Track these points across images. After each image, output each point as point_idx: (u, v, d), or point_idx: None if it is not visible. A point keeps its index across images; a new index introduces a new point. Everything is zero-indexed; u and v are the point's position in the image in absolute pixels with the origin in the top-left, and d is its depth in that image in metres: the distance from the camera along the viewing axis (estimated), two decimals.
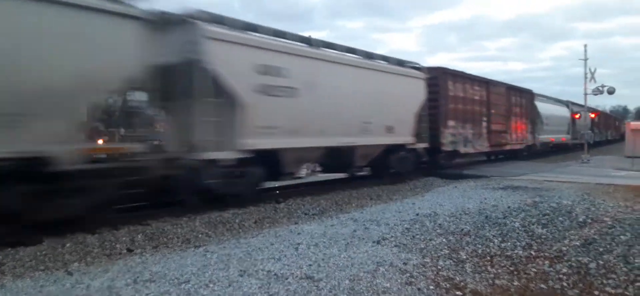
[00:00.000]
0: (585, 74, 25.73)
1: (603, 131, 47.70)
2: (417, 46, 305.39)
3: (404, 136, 15.12)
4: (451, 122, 17.71)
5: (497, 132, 21.67)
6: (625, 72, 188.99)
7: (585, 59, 25.65)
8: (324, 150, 12.26)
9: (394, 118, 14.51)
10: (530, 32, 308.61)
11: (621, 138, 57.85)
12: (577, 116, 31.01)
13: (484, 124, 20.47)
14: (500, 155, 23.78)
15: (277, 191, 12.52)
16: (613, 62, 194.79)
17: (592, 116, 33.42)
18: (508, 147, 23.25)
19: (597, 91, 26.04)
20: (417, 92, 15.71)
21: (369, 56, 14.24)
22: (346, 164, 13.63)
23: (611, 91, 26.22)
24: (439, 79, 17.28)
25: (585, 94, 26.27)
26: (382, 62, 14.74)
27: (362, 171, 15.05)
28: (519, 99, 24.59)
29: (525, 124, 25.34)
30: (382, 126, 14.08)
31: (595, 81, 25.93)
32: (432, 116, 16.60)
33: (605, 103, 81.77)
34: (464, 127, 18.70)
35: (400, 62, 15.62)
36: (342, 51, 13.25)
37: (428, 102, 16.14)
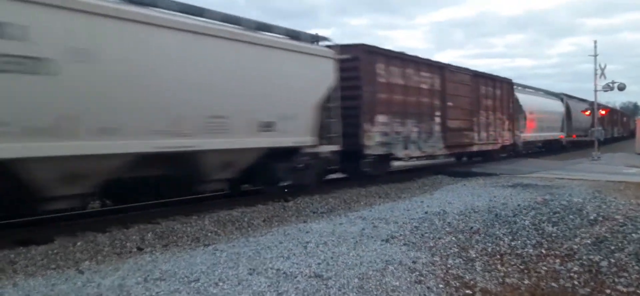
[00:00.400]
0: (595, 70, 25.53)
1: (608, 128, 45.09)
2: (424, 43, 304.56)
3: (297, 135, 10.98)
4: (382, 118, 13.84)
5: (457, 130, 17.87)
6: (634, 67, 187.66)
7: (595, 55, 25.46)
8: (129, 159, 7.94)
9: (275, 111, 10.36)
10: (537, 29, 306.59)
11: (629, 136, 54.86)
12: (587, 112, 30.70)
13: (437, 119, 16.66)
14: (463, 157, 20.78)
15: (286, 190, 12.53)
16: (621, 58, 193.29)
17: (603, 112, 33.07)
18: (475, 148, 19.44)
19: (607, 88, 25.84)
20: (320, 77, 11.52)
21: (234, 20, 9.85)
22: (190, 178, 9.26)
23: (622, 87, 26.00)
24: (361, 61, 13.23)
25: (596, 90, 26.07)
26: (256, 32, 10.27)
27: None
28: (491, 90, 20.39)
29: (501, 120, 21.38)
30: (253, 122, 9.95)
31: (605, 77, 25.72)
32: (350, 109, 12.72)
33: (615, 99, 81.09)
34: (403, 123, 14.80)
35: (294, 34, 11.36)
36: (175, 10, 8.80)
37: (343, 91, 12.23)
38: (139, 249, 6.91)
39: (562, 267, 6.18)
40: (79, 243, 6.93)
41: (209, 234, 7.89)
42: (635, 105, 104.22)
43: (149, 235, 7.55)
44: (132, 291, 4.92)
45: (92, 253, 6.59)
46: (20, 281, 5.37)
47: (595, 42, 25.69)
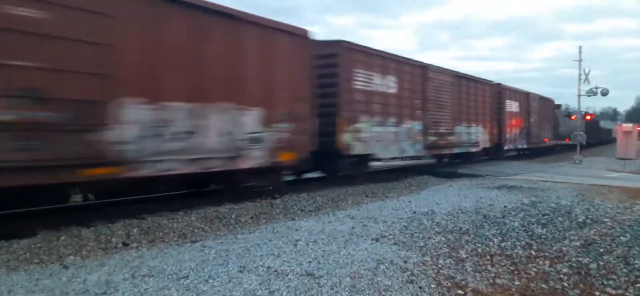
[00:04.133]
0: (580, 75, 25.83)
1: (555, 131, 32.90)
2: (409, 44, 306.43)
3: None
4: None
5: None
6: (614, 74, 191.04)
7: (580, 60, 25.77)
8: None
9: None
10: (520, 33, 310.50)
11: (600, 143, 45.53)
12: (573, 117, 31.10)
13: None
14: None
15: (271, 188, 12.41)
16: (602, 64, 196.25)
17: (588, 117, 33.44)
18: None
19: (591, 93, 26.15)
20: None
21: None
22: None
23: (605, 93, 26.35)
24: None
25: (579, 95, 26.39)
26: None
27: None
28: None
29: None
30: None
31: (589, 82, 26.04)
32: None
33: (595, 105, 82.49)
34: None
35: None
36: None
37: None
38: (125, 244, 6.74)
39: (552, 269, 6.19)
40: (62, 238, 6.74)
41: (196, 230, 7.76)
42: (614, 111, 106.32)
43: (135, 230, 7.39)
44: (120, 287, 4.79)
45: (76, 247, 6.42)
46: (2, 275, 5.20)
47: (580, 47, 26.07)
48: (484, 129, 20.77)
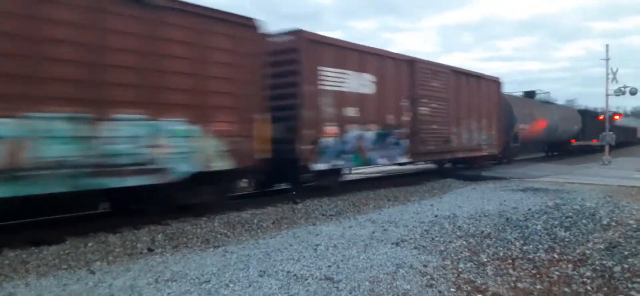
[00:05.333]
0: (607, 74, 25.24)
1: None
2: (432, 46, 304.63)
3: None
4: None
5: None
6: None
7: (607, 59, 25.19)
8: None
9: None
10: (545, 32, 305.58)
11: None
12: (601, 117, 30.36)
13: None
14: None
15: (294, 193, 12.51)
16: (630, 62, 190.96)
17: (617, 117, 32.57)
18: None
19: (619, 92, 25.53)
20: None
21: None
22: None
23: (634, 92, 25.69)
24: None
25: (607, 94, 25.80)
26: None
27: None
28: None
29: None
30: None
31: (617, 81, 25.40)
32: None
33: (625, 104, 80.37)
34: None
35: None
36: None
37: None
38: (150, 250, 6.91)
39: (575, 272, 6.11)
40: (90, 244, 6.95)
41: (219, 235, 7.89)
42: None
43: (160, 236, 7.56)
44: (144, 292, 4.93)
45: (103, 253, 6.61)
46: (33, 280, 5.40)
47: (607, 46, 25.24)
48: (202, 130, 8.59)
